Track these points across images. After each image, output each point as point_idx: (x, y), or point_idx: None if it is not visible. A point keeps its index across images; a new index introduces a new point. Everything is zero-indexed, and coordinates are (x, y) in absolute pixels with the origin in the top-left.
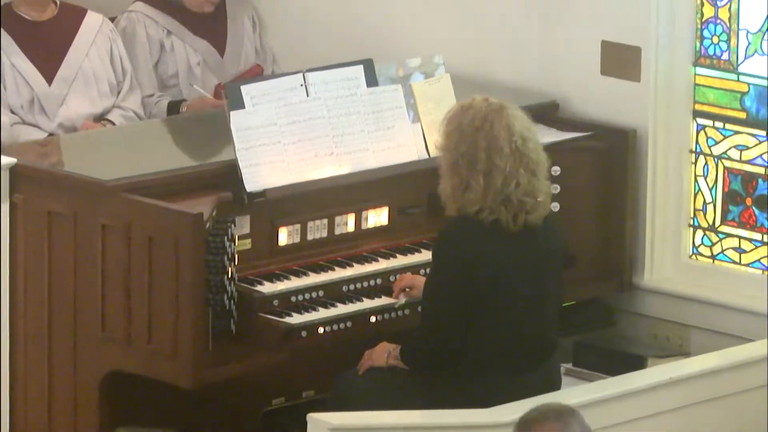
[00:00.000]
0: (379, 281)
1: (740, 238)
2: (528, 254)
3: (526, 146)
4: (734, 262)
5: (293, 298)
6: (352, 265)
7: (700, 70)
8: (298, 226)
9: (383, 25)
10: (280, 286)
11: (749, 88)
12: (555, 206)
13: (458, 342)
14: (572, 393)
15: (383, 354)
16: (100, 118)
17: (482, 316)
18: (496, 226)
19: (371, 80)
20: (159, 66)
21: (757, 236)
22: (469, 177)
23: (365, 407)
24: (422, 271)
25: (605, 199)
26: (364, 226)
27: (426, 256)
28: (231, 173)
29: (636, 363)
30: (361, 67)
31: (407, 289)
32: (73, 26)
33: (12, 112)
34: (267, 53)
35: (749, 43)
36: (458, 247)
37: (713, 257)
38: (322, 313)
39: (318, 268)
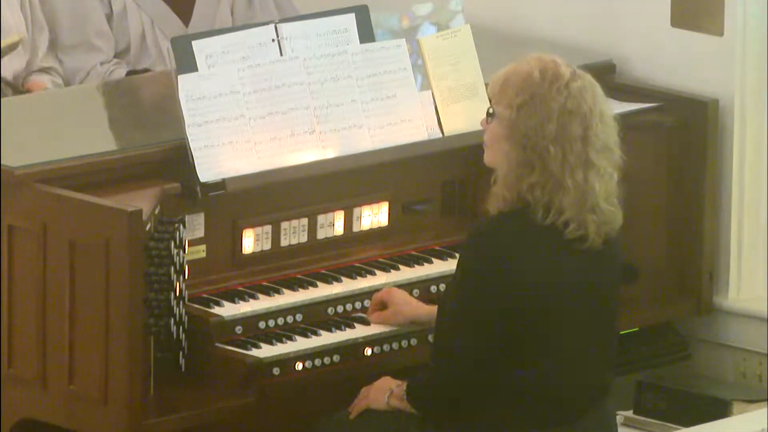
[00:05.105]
0: None
1: None
2: (589, 273)
3: (608, 133)
4: None
5: (262, 324)
6: (340, 280)
7: None
8: (268, 229)
9: None
10: (245, 307)
11: None
12: None
13: (483, 380)
14: None
15: (384, 393)
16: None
17: (518, 350)
18: (553, 231)
19: (366, 34)
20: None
21: None
22: (564, 174)
23: None
24: (416, 291)
25: (677, 191)
26: (356, 228)
27: (438, 267)
28: (179, 158)
29: (718, 409)
30: (352, 16)
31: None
32: None
33: None
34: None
35: None
36: (500, 255)
37: None
38: (301, 344)
39: (295, 284)
